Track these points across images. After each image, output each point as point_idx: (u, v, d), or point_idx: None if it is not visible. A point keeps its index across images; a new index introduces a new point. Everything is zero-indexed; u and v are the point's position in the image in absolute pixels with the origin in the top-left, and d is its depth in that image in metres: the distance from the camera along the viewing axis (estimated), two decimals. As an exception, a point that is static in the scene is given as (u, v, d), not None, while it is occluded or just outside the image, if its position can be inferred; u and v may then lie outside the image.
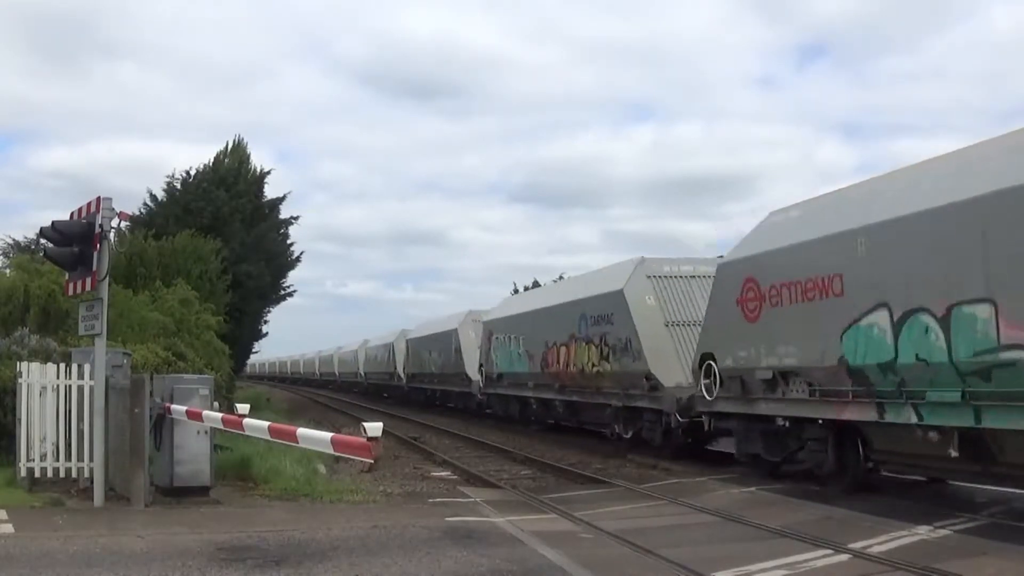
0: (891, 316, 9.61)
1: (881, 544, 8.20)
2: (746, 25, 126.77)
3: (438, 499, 11.84)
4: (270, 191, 34.45)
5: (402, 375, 39.33)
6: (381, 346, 44.60)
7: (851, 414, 10.41)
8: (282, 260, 35.04)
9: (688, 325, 15.85)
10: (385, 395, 44.78)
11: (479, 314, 28.96)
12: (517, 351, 23.03)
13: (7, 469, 11.08)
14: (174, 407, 10.27)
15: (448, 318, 32.94)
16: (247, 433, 9.19)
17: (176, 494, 10.40)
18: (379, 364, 44.89)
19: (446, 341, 31.36)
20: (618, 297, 16.89)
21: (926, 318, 9.14)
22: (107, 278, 10.40)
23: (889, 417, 9.77)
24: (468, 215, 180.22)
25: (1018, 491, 9.95)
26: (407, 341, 38.43)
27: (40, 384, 10.81)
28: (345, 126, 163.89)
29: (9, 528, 8.59)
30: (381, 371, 44.37)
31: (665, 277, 16.68)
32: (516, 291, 54.06)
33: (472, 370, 28.07)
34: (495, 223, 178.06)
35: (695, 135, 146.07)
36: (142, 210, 31.25)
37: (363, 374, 50.33)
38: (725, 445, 14.63)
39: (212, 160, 32.74)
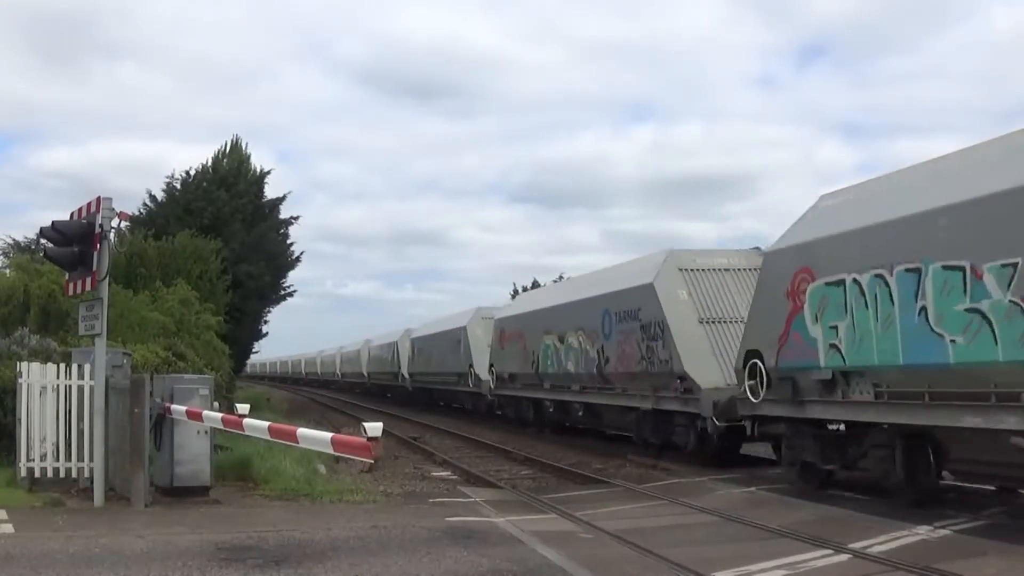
0: None
1: (881, 544, 8.20)
2: (746, 25, 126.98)
3: (438, 499, 11.85)
4: (270, 191, 34.42)
5: (488, 381, 26.14)
6: (441, 333, 32.84)
7: None
8: (282, 260, 34.98)
9: None
10: (456, 405, 32.98)
11: (753, 255, 15.44)
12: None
13: (7, 469, 11.08)
14: (174, 407, 10.28)
15: (640, 264, 17.53)
16: (247, 433, 9.20)
17: (176, 494, 10.40)
18: (445, 362, 32.02)
19: (633, 302, 16.58)
20: None
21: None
22: (107, 278, 10.40)
23: None
24: (468, 215, 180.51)
25: (1019, 491, 9.75)
26: (498, 323, 25.64)
27: (40, 384, 10.81)
28: (345, 126, 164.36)
29: (9, 528, 8.59)
30: (447, 370, 31.85)
31: None
32: (516, 292, 47.65)
33: (700, 368, 14.45)
34: (495, 223, 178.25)
35: (695, 135, 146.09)
36: (142, 210, 31.22)
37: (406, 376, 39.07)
38: None
39: (210, 160, 32.78)
